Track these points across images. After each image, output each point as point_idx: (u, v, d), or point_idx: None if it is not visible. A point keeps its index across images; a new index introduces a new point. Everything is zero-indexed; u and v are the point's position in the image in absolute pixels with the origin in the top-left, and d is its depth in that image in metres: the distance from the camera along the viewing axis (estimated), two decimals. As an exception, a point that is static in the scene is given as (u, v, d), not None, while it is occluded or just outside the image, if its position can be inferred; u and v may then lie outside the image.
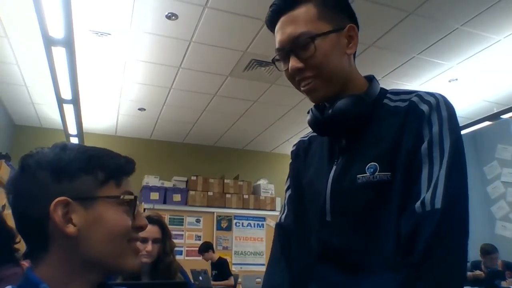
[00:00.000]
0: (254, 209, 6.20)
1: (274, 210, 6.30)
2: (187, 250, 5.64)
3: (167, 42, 3.67)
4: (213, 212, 5.98)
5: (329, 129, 0.94)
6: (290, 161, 1.10)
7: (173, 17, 3.30)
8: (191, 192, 5.91)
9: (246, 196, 6.21)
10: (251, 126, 5.84)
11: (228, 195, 6.11)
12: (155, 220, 1.89)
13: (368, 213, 0.85)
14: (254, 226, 6.17)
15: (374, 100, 0.91)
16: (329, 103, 0.91)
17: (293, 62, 0.87)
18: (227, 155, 6.75)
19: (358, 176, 0.85)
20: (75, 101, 3.66)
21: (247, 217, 6.16)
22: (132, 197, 0.73)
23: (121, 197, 0.72)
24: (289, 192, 1.07)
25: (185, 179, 6.04)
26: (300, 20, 0.86)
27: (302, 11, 0.86)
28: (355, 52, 0.93)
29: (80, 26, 3.33)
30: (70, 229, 0.66)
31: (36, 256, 0.69)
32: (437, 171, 0.78)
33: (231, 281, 4.84)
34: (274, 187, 6.47)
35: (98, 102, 4.98)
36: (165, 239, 1.89)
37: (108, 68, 4.13)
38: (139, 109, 5.23)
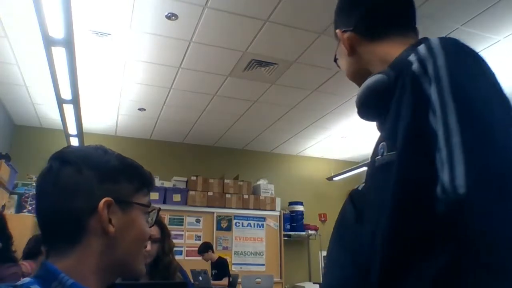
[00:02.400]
0: (254, 209, 6.20)
1: (274, 210, 6.31)
2: (187, 250, 5.65)
3: (167, 42, 3.67)
4: (213, 212, 5.99)
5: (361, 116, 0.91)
6: None
7: (173, 17, 3.30)
8: (191, 192, 5.91)
9: (246, 196, 6.21)
10: (251, 126, 5.84)
11: (228, 195, 6.11)
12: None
13: (372, 199, 0.76)
14: (254, 226, 6.18)
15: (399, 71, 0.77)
16: None
17: None
18: (227, 155, 6.75)
19: (376, 158, 0.77)
20: (75, 101, 3.65)
21: (247, 217, 6.17)
22: (156, 208, 0.80)
23: (150, 206, 0.77)
24: None
25: (185, 179, 6.04)
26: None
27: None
28: (371, 37, 0.90)
29: (80, 26, 3.33)
30: (111, 228, 0.70)
31: (60, 248, 0.69)
32: (451, 143, 0.62)
33: (224, 281, 4.83)
34: (274, 187, 6.47)
35: (98, 102, 4.98)
36: (164, 239, 1.89)
37: (108, 68, 4.13)
38: (139, 109, 5.23)
